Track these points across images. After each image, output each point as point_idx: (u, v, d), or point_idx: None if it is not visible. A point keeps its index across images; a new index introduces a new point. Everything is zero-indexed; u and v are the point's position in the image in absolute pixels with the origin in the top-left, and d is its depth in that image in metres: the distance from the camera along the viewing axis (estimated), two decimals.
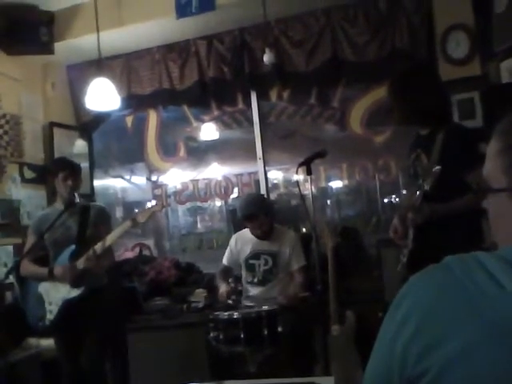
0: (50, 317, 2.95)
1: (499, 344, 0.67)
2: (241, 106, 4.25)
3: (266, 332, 2.72)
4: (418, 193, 2.25)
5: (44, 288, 3.01)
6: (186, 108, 4.36)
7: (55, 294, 2.95)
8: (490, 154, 0.80)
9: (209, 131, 4.38)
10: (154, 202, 3.03)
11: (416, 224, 2.21)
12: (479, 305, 0.69)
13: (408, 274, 0.73)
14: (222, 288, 3.28)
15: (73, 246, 2.97)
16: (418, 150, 2.37)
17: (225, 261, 3.49)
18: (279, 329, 2.76)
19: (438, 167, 2.11)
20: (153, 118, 4.47)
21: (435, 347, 0.70)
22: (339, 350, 2.99)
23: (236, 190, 4.27)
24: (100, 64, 3.69)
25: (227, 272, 3.50)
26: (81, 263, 2.89)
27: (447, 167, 2.11)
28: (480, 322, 0.68)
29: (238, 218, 3.59)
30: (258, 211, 3.27)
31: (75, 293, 2.90)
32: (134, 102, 4.28)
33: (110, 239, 2.90)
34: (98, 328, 2.97)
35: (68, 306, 2.91)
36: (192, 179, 4.38)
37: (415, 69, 2.66)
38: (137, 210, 3.01)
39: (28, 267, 3.04)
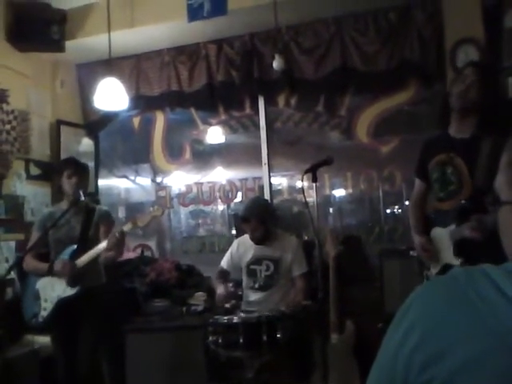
0: (43, 314, 2.96)
1: (505, 356, 0.66)
2: (248, 110, 4.26)
3: (265, 338, 2.71)
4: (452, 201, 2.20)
5: (41, 284, 3.02)
6: (193, 111, 4.38)
7: (51, 292, 2.96)
8: (501, 167, 0.80)
9: (215, 135, 4.39)
10: (155, 207, 3.03)
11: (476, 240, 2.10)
12: (484, 316, 0.69)
13: None
14: (220, 290, 3.29)
15: (74, 246, 2.98)
16: (450, 154, 2.30)
17: (223, 264, 3.50)
18: (278, 335, 2.74)
19: None
20: (160, 119, 4.49)
21: (439, 358, 0.70)
22: (338, 359, 2.98)
23: (240, 194, 4.28)
24: (110, 64, 3.70)
25: (224, 275, 3.50)
26: (81, 262, 2.90)
27: (492, 179, 2.05)
28: (485, 334, 0.68)
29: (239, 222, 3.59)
30: (251, 216, 3.29)
31: (70, 292, 2.91)
32: (142, 102, 4.30)
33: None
34: (92, 327, 2.97)
35: (62, 304, 2.92)
36: (196, 182, 4.39)
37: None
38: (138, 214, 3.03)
39: (30, 262, 3.06)
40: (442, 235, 2.30)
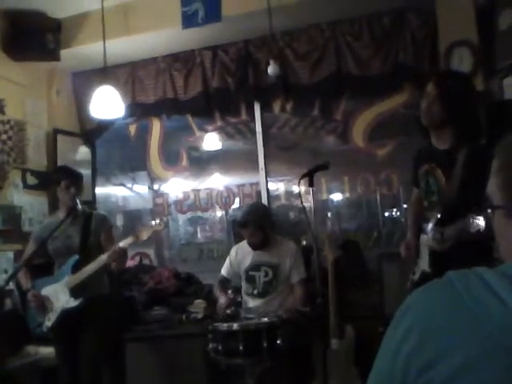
0: (47, 324, 2.95)
1: (500, 360, 0.66)
2: (244, 116, 4.26)
3: (265, 344, 2.70)
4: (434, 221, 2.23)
5: (46, 294, 3.00)
6: (189, 117, 4.38)
7: (55, 302, 2.95)
8: (492, 171, 0.81)
9: (211, 141, 4.40)
10: (157, 221, 3.02)
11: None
12: (480, 320, 0.69)
13: None
14: (221, 299, 3.27)
15: (76, 256, 2.97)
16: (432, 164, 2.33)
17: (223, 272, 3.48)
18: (278, 342, 2.74)
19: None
20: (156, 126, 4.49)
21: (437, 361, 0.70)
22: (338, 365, 2.97)
23: (237, 200, 4.28)
24: (105, 72, 3.71)
25: (225, 283, 3.49)
26: (72, 282, 2.91)
27: (467, 188, 2.07)
28: (481, 337, 0.68)
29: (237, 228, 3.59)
30: (249, 221, 3.29)
31: (74, 303, 2.89)
32: (138, 110, 4.30)
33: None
34: (94, 336, 2.96)
35: (66, 315, 2.90)
36: (193, 189, 4.39)
37: (465, 77, 2.61)
38: (140, 227, 3.03)
39: (20, 275, 3.07)
40: (423, 243, 2.34)
